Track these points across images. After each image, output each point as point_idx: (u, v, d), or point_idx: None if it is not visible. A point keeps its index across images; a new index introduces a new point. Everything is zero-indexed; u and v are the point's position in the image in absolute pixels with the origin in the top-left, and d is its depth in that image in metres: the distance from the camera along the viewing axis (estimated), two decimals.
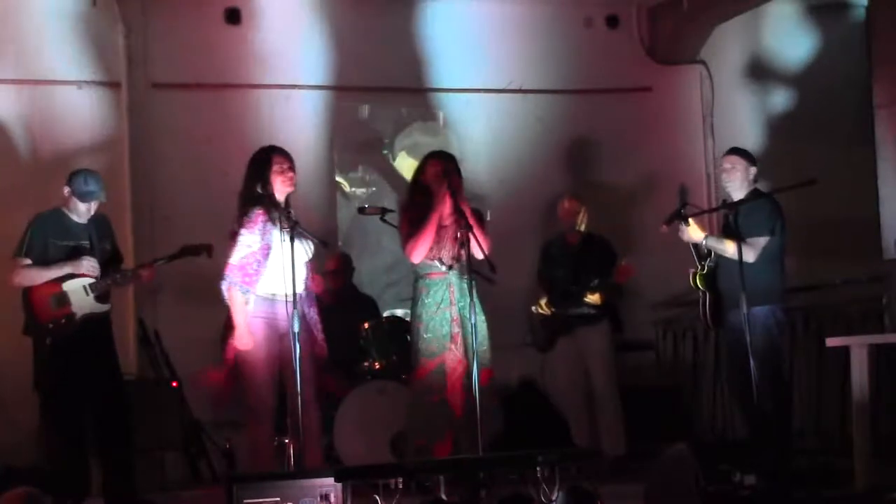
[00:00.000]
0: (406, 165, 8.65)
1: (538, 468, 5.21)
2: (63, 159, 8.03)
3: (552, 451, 5.39)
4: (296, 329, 5.85)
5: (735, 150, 6.70)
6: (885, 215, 7.37)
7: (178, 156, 8.33)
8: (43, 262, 6.25)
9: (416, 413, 6.40)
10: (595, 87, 9.19)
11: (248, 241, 6.07)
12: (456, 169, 6.46)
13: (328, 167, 8.74)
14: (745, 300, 6.10)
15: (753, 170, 6.55)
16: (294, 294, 5.88)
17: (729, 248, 6.33)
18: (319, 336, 6.27)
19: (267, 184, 6.15)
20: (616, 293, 7.55)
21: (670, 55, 9.35)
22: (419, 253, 6.33)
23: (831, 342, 6.59)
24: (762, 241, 6.39)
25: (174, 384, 7.72)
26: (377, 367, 7.51)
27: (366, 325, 7.62)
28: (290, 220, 6.02)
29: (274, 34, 8.63)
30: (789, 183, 6.44)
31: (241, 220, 6.13)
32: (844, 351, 6.58)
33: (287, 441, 6.33)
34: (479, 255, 6.28)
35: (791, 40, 9.50)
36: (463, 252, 6.27)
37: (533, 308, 7.65)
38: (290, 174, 6.20)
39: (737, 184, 6.53)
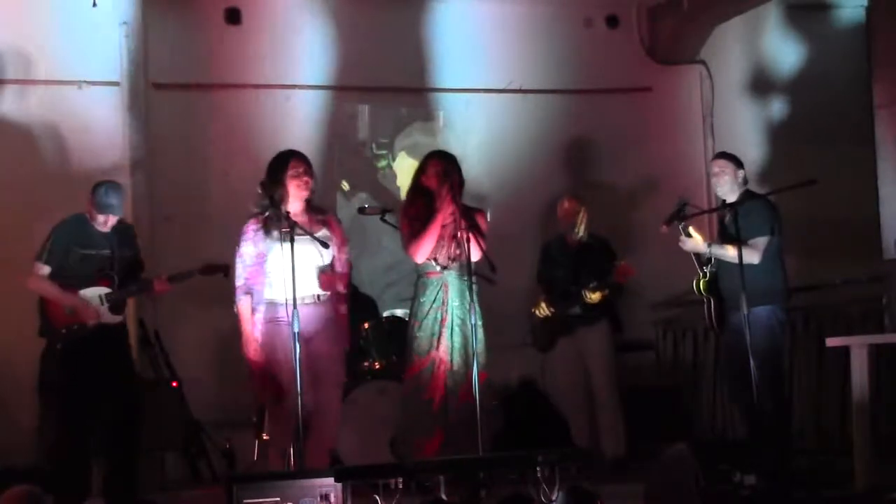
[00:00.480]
0: (406, 165, 8.65)
1: (538, 468, 5.21)
2: (63, 159, 8.06)
3: (552, 451, 5.38)
4: (296, 329, 5.84)
5: (722, 154, 6.77)
6: (885, 215, 7.37)
7: (178, 156, 8.32)
8: (62, 270, 6.25)
9: (407, 410, 6.43)
10: (595, 87, 9.20)
11: (244, 252, 6.10)
12: (456, 169, 6.47)
13: (328, 167, 8.74)
14: (745, 301, 6.11)
15: (742, 172, 6.58)
16: (294, 298, 5.86)
17: (731, 253, 6.33)
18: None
19: (282, 188, 6.14)
20: (616, 293, 7.55)
21: (670, 55, 9.35)
22: (423, 253, 6.35)
23: (831, 342, 6.60)
24: (763, 241, 6.40)
25: (174, 384, 7.73)
26: (377, 367, 7.51)
27: (366, 325, 7.62)
28: (289, 224, 6.00)
29: (274, 34, 8.63)
30: (789, 183, 6.45)
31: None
32: (844, 351, 6.58)
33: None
34: (475, 257, 6.28)
35: (791, 40, 9.51)
36: (462, 252, 6.27)
37: (533, 308, 7.65)
38: (306, 178, 6.14)
39: (726, 187, 6.57)
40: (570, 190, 8.27)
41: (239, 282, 6.08)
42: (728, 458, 6.53)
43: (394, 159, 8.96)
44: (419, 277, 6.46)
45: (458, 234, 6.28)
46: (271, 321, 6.06)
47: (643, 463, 6.09)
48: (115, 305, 6.34)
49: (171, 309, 8.02)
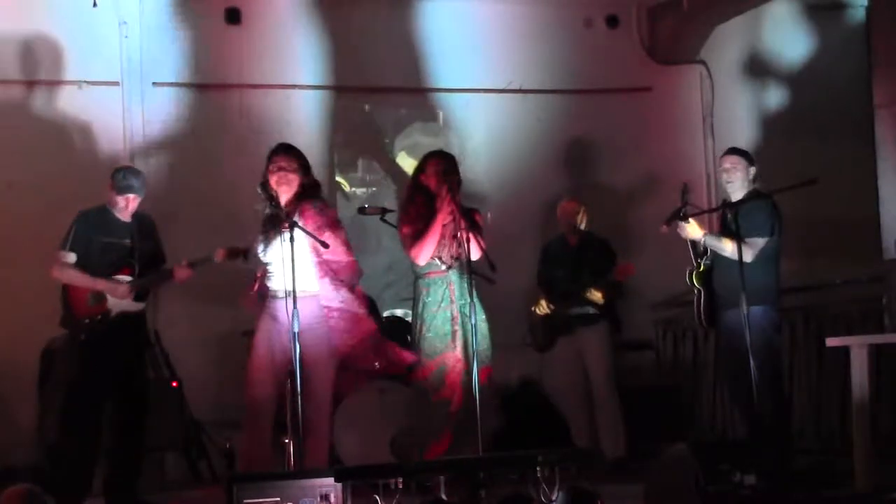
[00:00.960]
0: (406, 165, 8.65)
1: (538, 468, 5.21)
2: (63, 159, 8.06)
3: (552, 451, 5.38)
4: (296, 329, 5.85)
5: (735, 150, 6.71)
6: (885, 215, 7.36)
7: (177, 156, 8.32)
8: (84, 259, 6.28)
9: (418, 412, 6.41)
10: (595, 87, 9.19)
11: (257, 250, 6.23)
12: (455, 169, 6.47)
13: (328, 167, 8.74)
14: (744, 300, 6.10)
15: (753, 169, 6.56)
16: (294, 292, 5.87)
17: (727, 247, 6.34)
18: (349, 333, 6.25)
19: (266, 183, 6.20)
20: (616, 292, 7.55)
21: (670, 55, 9.35)
22: (425, 254, 6.35)
23: (831, 342, 6.59)
24: (761, 241, 6.40)
25: (174, 384, 7.72)
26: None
27: None
28: (283, 220, 6.02)
29: (274, 34, 8.63)
30: (789, 183, 6.44)
31: None
32: (844, 351, 6.57)
33: (287, 441, 6.34)
34: (474, 256, 6.28)
35: (791, 40, 9.50)
36: (462, 251, 6.27)
37: (533, 307, 7.65)
38: (283, 173, 6.18)
39: (737, 184, 6.54)
40: (570, 190, 8.27)
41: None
42: (728, 458, 6.51)
43: (394, 159, 8.96)
44: (419, 278, 6.44)
45: (459, 234, 6.29)
46: (268, 314, 6.14)
47: (643, 463, 6.08)
48: (137, 293, 6.36)
49: (170, 309, 8.02)
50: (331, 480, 5.19)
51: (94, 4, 7.85)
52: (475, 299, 6.31)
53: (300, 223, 6.07)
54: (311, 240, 6.06)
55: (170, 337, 7.98)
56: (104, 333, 6.28)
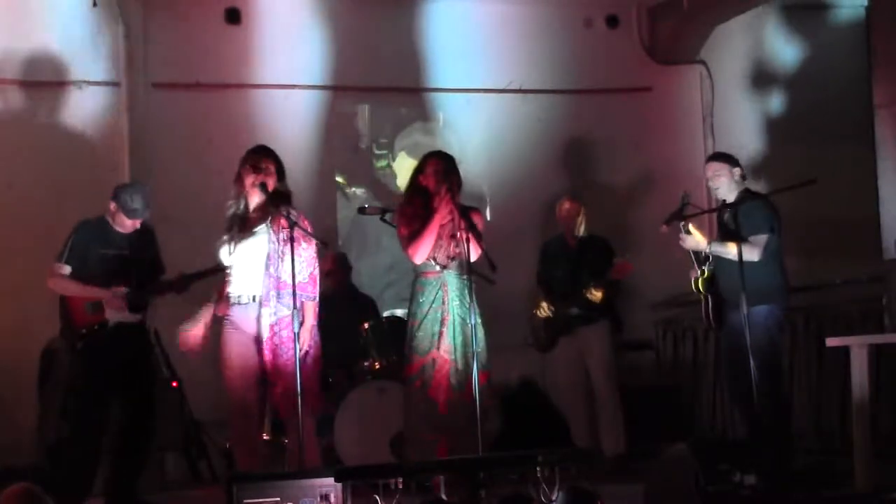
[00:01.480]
0: (406, 165, 8.65)
1: (538, 468, 5.20)
2: (63, 159, 8.05)
3: (552, 451, 5.37)
4: (295, 329, 5.83)
5: (715, 157, 6.78)
6: (885, 215, 7.37)
7: (177, 156, 8.33)
8: (81, 270, 6.26)
9: (412, 408, 6.42)
10: (595, 87, 9.20)
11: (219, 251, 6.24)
12: (455, 169, 6.47)
13: (328, 167, 8.74)
14: (745, 300, 6.10)
15: (738, 171, 6.56)
16: (295, 296, 5.86)
17: (733, 250, 6.31)
18: (305, 347, 6.03)
19: (239, 183, 6.18)
20: (614, 290, 7.54)
21: (670, 55, 9.35)
22: (422, 253, 6.35)
23: (831, 342, 6.59)
24: (764, 238, 6.39)
25: (174, 384, 7.72)
26: (377, 367, 7.50)
27: (366, 326, 7.61)
28: (239, 221, 6.07)
29: (274, 34, 8.63)
30: (789, 183, 6.43)
31: None
32: (844, 351, 6.57)
33: (286, 441, 6.34)
34: (473, 257, 6.28)
35: (791, 40, 9.51)
36: (461, 251, 6.27)
37: (534, 310, 7.64)
38: (255, 174, 6.09)
39: (724, 188, 6.55)
40: (569, 190, 8.27)
41: None
42: (728, 458, 6.51)
43: (394, 159, 8.96)
44: (417, 277, 6.45)
45: (457, 234, 6.29)
46: (230, 325, 6.15)
47: (643, 463, 6.09)
48: (133, 305, 6.35)
49: (171, 309, 8.00)
50: (331, 480, 5.18)
51: (94, 4, 7.86)
52: (474, 301, 6.30)
53: (274, 229, 6.03)
54: (278, 247, 6.00)
55: (170, 337, 7.97)
56: (102, 340, 6.26)
